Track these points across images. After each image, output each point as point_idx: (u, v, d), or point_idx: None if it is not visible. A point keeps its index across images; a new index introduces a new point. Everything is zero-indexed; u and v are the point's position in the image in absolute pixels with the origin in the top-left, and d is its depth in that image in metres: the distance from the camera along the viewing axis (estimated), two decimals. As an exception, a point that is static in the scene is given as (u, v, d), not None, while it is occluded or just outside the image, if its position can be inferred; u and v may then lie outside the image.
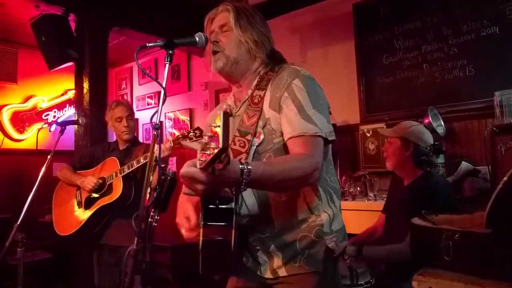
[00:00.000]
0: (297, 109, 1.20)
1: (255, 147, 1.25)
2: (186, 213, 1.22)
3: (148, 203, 1.21)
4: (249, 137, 1.25)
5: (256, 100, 1.30)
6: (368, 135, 3.34)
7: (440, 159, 2.81)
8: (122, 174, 2.47)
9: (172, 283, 3.92)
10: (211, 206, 1.10)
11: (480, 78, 2.89)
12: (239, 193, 1.10)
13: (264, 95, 1.28)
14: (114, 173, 2.52)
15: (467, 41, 2.96)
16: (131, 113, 2.74)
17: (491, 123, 2.65)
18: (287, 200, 1.26)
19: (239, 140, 1.27)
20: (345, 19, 3.62)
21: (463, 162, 2.71)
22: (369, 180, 3.17)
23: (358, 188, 3.15)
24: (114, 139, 2.84)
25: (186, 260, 4.04)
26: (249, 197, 1.26)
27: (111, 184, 2.53)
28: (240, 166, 0.98)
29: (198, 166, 0.90)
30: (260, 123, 1.26)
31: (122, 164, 2.52)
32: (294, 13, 3.94)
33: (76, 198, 2.67)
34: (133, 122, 2.73)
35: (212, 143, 0.85)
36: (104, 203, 2.50)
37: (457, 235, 1.31)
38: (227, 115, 0.83)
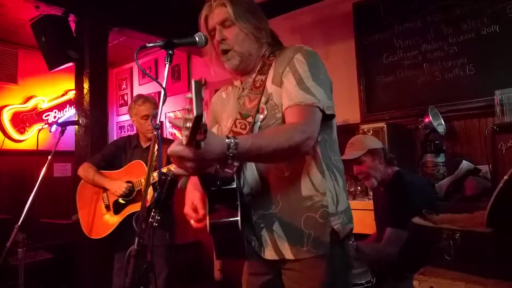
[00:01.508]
0: (296, 81, 1.21)
1: (259, 123, 1.26)
2: (193, 204, 1.24)
3: (149, 203, 1.21)
4: (249, 119, 1.26)
5: (257, 84, 1.31)
6: (369, 134, 3.33)
7: (441, 158, 2.81)
8: (153, 181, 2.38)
9: (173, 283, 3.92)
10: (214, 188, 1.11)
11: (480, 77, 2.89)
12: (226, 167, 1.10)
13: (266, 78, 1.30)
14: (143, 179, 2.46)
15: (467, 40, 2.96)
16: (157, 111, 2.68)
17: (492, 122, 2.64)
18: (290, 175, 1.24)
19: (240, 123, 1.28)
20: (345, 19, 3.62)
21: (463, 161, 2.71)
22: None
23: (359, 188, 3.14)
24: (133, 133, 2.77)
25: (188, 261, 4.05)
26: (250, 173, 1.26)
27: (140, 190, 2.48)
28: (227, 140, 0.98)
29: (184, 142, 0.89)
30: (263, 99, 1.27)
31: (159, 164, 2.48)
32: (294, 12, 3.93)
33: (104, 201, 2.61)
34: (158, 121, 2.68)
35: (190, 115, 0.83)
36: (134, 210, 2.45)
37: (457, 234, 1.31)
38: (198, 83, 0.81)
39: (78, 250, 3.39)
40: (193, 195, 1.25)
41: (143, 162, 2.52)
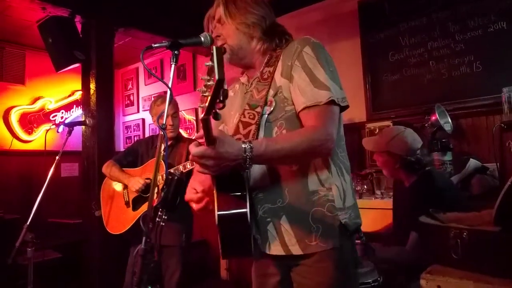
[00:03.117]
0: (309, 78, 1.22)
1: (266, 115, 1.27)
2: (193, 189, 1.27)
3: (156, 203, 1.22)
4: (258, 109, 1.28)
5: (265, 76, 1.34)
6: (375, 133, 3.32)
7: (448, 157, 2.79)
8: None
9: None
10: (222, 177, 1.13)
11: (488, 74, 2.86)
12: (245, 170, 1.13)
13: (274, 70, 1.32)
14: (160, 176, 2.51)
15: (474, 37, 2.94)
16: (177, 110, 2.72)
17: (499, 120, 2.62)
18: (298, 169, 1.25)
19: (248, 113, 1.29)
20: (350, 17, 3.61)
21: (471, 159, 2.69)
22: (376, 178, 3.16)
23: (365, 186, 3.14)
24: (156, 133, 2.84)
25: (194, 260, 4.06)
26: (257, 167, 1.26)
27: (157, 186, 2.53)
28: (243, 145, 1.06)
29: (199, 114, 0.90)
30: (271, 92, 1.29)
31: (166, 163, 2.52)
32: (300, 11, 3.93)
33: (124, 197, 2.69)
34: (178, 120, 2.72)
35: (211, 81, 0.84)
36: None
37: (465, 233, 1.30)
38: (219, 50, 0.83)
39: (87, 248, 3.42)
40: (192, 183, 1.29)
41: (161, 160, 2.58)
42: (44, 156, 2.84)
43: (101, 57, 3.49)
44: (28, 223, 2.35)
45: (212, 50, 0.83)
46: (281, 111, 1.26)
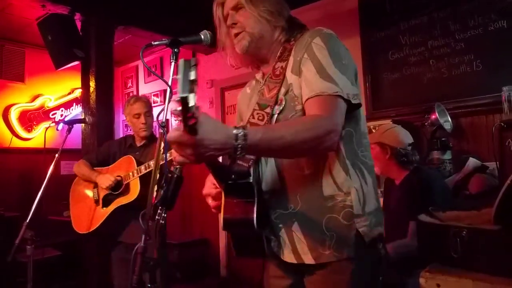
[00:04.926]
0: (316, 69, 1.12)
1: (276, 115, 1.18)
2: (212, 182, 1.21)
3: (155, 201, 1.22)
4: (268, 110, 1.19)
5: (277, 72, 1.24)
6: (374, 131, 3.32)
7: (447, 155, 2.80)
8: (139, 175, 2.45)
9: (180, 281, 3.94)
10: (230, 182, 1.09)
11: (488, 73, 2.86)
12: (240, 160, 1.07)
13: (286, 65, 1.22)
14: (130, 173, 2.50)
15: (474, 36, 2.93)
16: (150, 109, 2.69)
17: (499, 119, 2.62)
18: (311, 173, 1.15)
19: (257, 114, 1.21)
20: (350, 15, 3.60)
21: (470, 158, 2.69)
22: (377, 177, 3.16)
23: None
24: (131, 133, 2.81)
25: (194, 258, 4.06)
26: (269, 169, 1.20)
27: (128, 184, 2.52)
28: (234, 131, 0.91)
29: (180, 127, 0.83)
30: (283, 90, 1.20)
31: (138, 162, 2.49)
32: (300, 9, 3.91)
33: (94, 195, 2.67)
34: (151, 119, 2.70)
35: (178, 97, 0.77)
36: (121, 203, 2.50)
37: (464, 232, 1.30)
38: (185, 62, 0.76)
39: (86, 246, 3.43)
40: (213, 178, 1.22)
41: (132, 157, 2.57)
42: (43, 154, 2.85)
43: (101, 55, 3.48)
44: (27, 220, 2.35)
45: (179, 63, 0.75)
46: (291, 111, 1.17)
